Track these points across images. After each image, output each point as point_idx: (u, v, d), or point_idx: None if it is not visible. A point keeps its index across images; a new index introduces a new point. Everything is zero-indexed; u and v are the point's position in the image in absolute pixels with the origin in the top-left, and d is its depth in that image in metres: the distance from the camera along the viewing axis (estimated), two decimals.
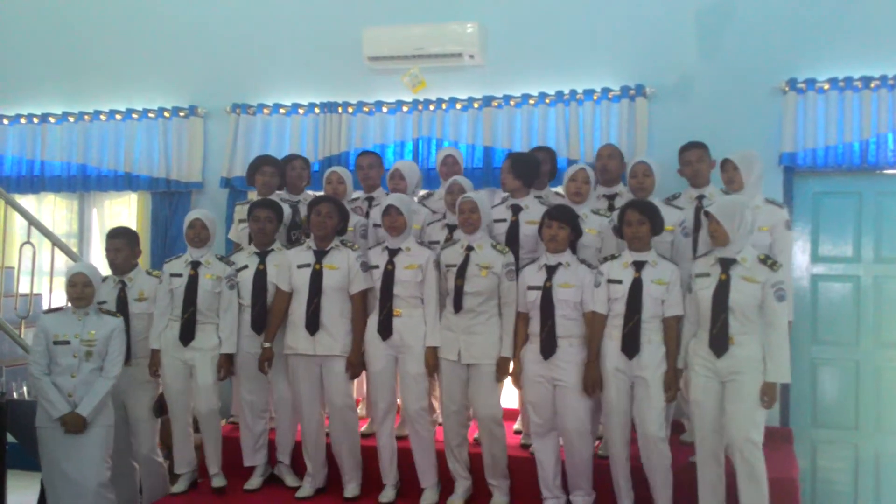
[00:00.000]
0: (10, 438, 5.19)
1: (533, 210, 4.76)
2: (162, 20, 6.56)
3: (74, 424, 4.35)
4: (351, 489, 4.68)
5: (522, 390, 4.52)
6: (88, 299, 4.47)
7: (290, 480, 4.86)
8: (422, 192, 5.53)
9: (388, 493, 4.62)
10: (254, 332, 4.77)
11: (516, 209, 4.80)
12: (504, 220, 4.82)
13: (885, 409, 5.25)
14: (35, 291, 6.25)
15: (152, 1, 6.61)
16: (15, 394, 5.48)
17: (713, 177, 4.80)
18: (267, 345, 4.68)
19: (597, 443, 4.59)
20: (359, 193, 5.48)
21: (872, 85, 5.15)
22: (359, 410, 5.23)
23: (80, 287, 4.45)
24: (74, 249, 6.47)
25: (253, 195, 5.41)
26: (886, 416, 5.25)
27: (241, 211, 5.31)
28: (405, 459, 4.68)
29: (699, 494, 4.14)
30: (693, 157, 4.76)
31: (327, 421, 4.82)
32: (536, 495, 4.46)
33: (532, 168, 4.88)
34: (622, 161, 5.04)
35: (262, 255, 4.83)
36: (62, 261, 6.22)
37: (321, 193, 5.17)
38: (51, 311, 4.71)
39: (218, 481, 4.80)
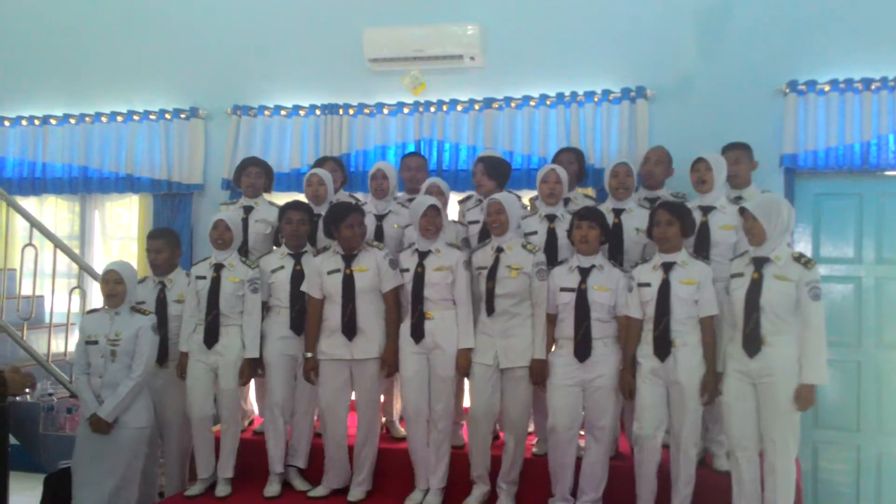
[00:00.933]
0: (12, 440, 5.19)
1: None
2: (163, 22, 6.57)
3: (98, 425, 4.35)
4: (357, 493, 4.64)
5: (548, 394, 4.41)
6: (120, 297, 4.46)
7: (299, 485, 4.81)
8: (398, 194, 5.39)
9: (429, 499, 4.54)
10: (293, 333, 4.75)
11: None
12: (477, 222, 4.86)
13: (887, 410, 5.25)
14: (37, 293, 6.26)
15: (153, 3, 6.62)
16: (18, 397, 5.48)
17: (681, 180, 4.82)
18: (309, 355, 4.66)
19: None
20: (401, 194, 5.29)
21: (873, 87, 5.16)
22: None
23: (112, 284, 4.44)
24: (76, 251, 6.48)
25: (243, 199, 5.32)
26: (888, 416, 5.25)
27: (225, 212, 5.28)
28: (404, 461, 4.67)
29: (733, 496, 4.06)
30: (731, 159, 4.70)
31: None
32: (538, 499, 4.45)
33: (505, 169, 4.96)
34: (669, 166, 4.99)
35: (297, 257, 4.81)
36: (64, 263, 6.23)
37: (346, 198, 5.17)
38: (91, 311, 4.73)
39: (223, 490, 4.76)
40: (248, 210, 5.22)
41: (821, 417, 5.35)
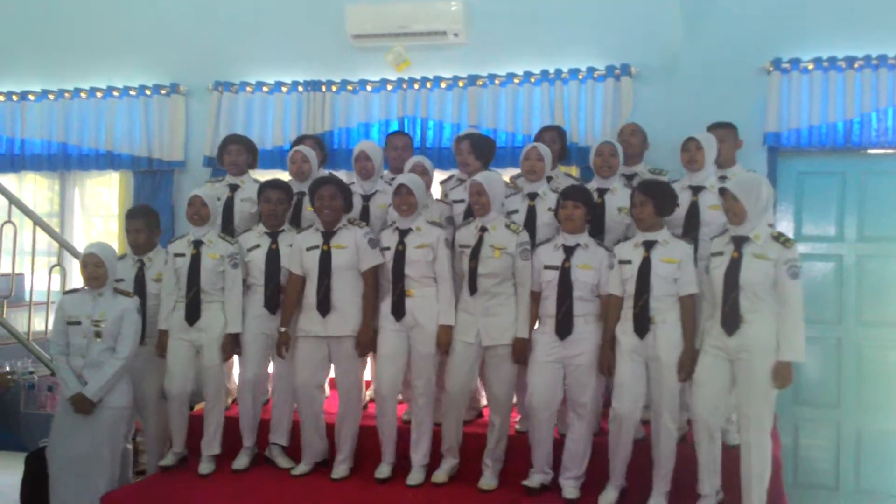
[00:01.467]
0: None
1: None
2: None
3: (82, 405, 4.34)
4: (341, 471, 4.65)
5: (528, 370, 4.43)
6: (102, 279, 4.44)
7: (282, 462, 4.82)
8: (384, 172, 5.32)
9: (384, 470, 4.60)
10: (266, 312, 4.75)
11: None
12: (462, 201, 4.83)
13: (867, 388, 5.30)
14: (17, 271, 6.19)
15: None
16: None
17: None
18: (283, 329, 4.66)
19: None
20: (386, 172, 5.28)
21: (856, 65, 5.16)
22: (369, 393, 5.21)
23: (92, 267, 4.42)
24: (56, 229, 6.41)
25: (228, 177, 5.29)
26: (868, 394, 5.30)
27: (212, 189, 5.24)
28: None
29: (699, 472, 4.11)
30: (717, 137, 4.68)
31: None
32: (522, 475, 4.46)
33: (490, 147, 4.96)
34: (645, 140, 5.02)
35: (274, 235, 4.79)
36: (44, 240, 6.17)
37: (328, 174, 5.12)
38: (71, 291, 4.72)
39: (207, 467, 4.76)
40: (233, 188, 5.19)
41: (801, 394, 5.39)
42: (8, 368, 5.59)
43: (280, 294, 4.75)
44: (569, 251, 4.33)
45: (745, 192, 3.96)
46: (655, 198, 4.20)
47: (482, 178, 4.50)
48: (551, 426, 4.42)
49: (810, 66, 5.23)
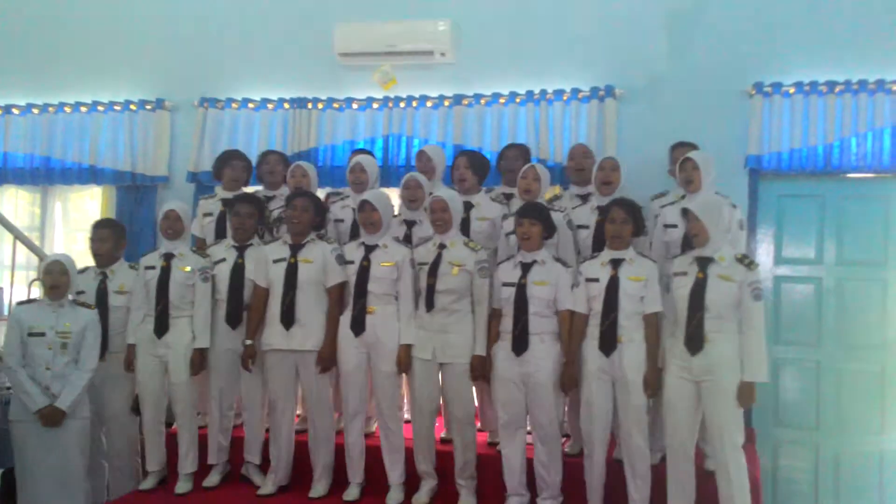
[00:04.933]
0: None
1: (484, 207, 4.82)
2: (130, 11, 6.47)
3: (53, 418, 4.30)
4: (319, 489, 4.61)
5: (491, 387, 4.49)
6: (63, 289, 4.42)
7: (258, 480, 4.78)
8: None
9: (353, 492, 4.58)
10: (228, 328, 4.72)
11: (467, 206, 4.78)
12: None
13: (846, 410, 5.32)
14: None
15: None
16: None
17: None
18: (249, 342, 4.62)
19: (564, 440, 4.61)
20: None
21: (837, 90, 5.23)
22: None
23: (57, 275, 4.39)
24: (37, 243, 6.36)
25: (219, 190, 5.32)
26: (847, 416, 5.32)
27: (206, 205, 5.28)
28: (369, 457, 4.65)
29: (668, 493, 4.14)
30: (679, 156, 4.72)
31: (297, 419, 4.79)
32: (502, 494, 4.44)
33: (486, 166, 5.03)
34: (595, 160, 5.07)
35: (241, 249, 4.78)
36: (23, 255, 6.12)
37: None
38: (24, 302, 4.66)
39: (183, 486, 4.71)
40: (227, 204, 5.16)
41: (781, 416, 5.42)
42: None
43: (243, 310, 4.72)
44: (526, 268, 4.34)
45: (708, 214, 4.02)
46: (636, 219, 4.26)
47: (446, 195, 4.52)
48: (523, 443, 4.40)
49: (791, 90, 5.30)
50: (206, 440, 4.82)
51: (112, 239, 4.80)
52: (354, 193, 5.04)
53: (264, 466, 4.79)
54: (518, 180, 4.78)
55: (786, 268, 5.45)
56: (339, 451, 4.67)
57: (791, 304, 5.43)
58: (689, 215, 4.05)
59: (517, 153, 5.15)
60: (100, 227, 4.85)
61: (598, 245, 4.54)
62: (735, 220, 4.50)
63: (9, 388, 5.73)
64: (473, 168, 4.88)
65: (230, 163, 5.20)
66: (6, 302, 6.04)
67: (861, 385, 5.32)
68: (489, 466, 4.57)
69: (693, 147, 4.82)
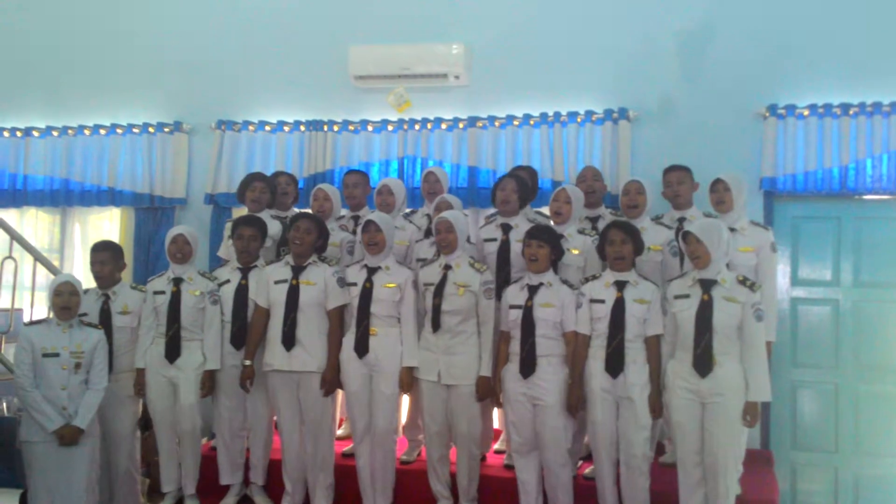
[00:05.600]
0: None
1: (523, 229, 4.77)
2: (147, 36, 6.56)
3: (71, 437, 4.33)
4: None
5: (503, 409, 4.51)
6: (74, 309, 4.45)
7: (260, 501, 4.82)
8: (406, 210, 5.52)
9: None
10: (234, 348, 4.76)
11: (507, 228, 4.77)
12: (494, 240, 4.80)
13: (864, 432, 5.30)
14: (16, 306, 6.20)
15: (138, 17, 6.61)
16: None
17: (699, 198, 4.83)
18: (248, 362, 4.66)
19: (581, 464, 4.59)
20: (345, 212, 5.47)
21: (851, 112, 5.23)
22: (342, 430, 5.21)
23: (67, 296, 4.42)
24: (56, 264, 6.43)
25: (241, 212, 5.37)
26: (865, 438, 5.29)
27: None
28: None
29: None
30: (674, 180, 4.80)
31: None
32: None
33: (531, 190, 5.02)
34: (604, 183, 5.10)
35: (245, 271, 4.82)
36: (43, 275, 6.18)
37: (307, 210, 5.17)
38: (33, 323, 4.66)
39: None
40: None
41: (799, 439, 5.39)
42: (4, 405, 5.55)
43: (246, 330, 4.75)
44: (532, 290, 4.35)
45: (708, 236, 4.03)
46: (635, 238, 4.28)
47: (450, 216, 4.53)
48: (538, 465, 4.40)
49: (806, 113, 5.30)
50: (247, 461, 4.88)
51: (112, 261, 4.82)
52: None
53: (269, 489, 4.82)
54: (550, 202, 4.78)
55: (802, 290, 5.43)
56: (344, 472, 4.73)
57: (808, 327, 5.41)
58: (690, 238, 4.06)
59: (526, 175, 5.12)
60: (98, 249, 4.85)
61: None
62: (767, 242, 4.51)
63: (20, 410, 5.81)
64: (520, 192, 4.80)
65: (252, 185, 5.23)
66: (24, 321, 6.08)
67: (880, 407, 5.29)
68: (504, 488, 4.57)
69: (685, 170, 4.82)
